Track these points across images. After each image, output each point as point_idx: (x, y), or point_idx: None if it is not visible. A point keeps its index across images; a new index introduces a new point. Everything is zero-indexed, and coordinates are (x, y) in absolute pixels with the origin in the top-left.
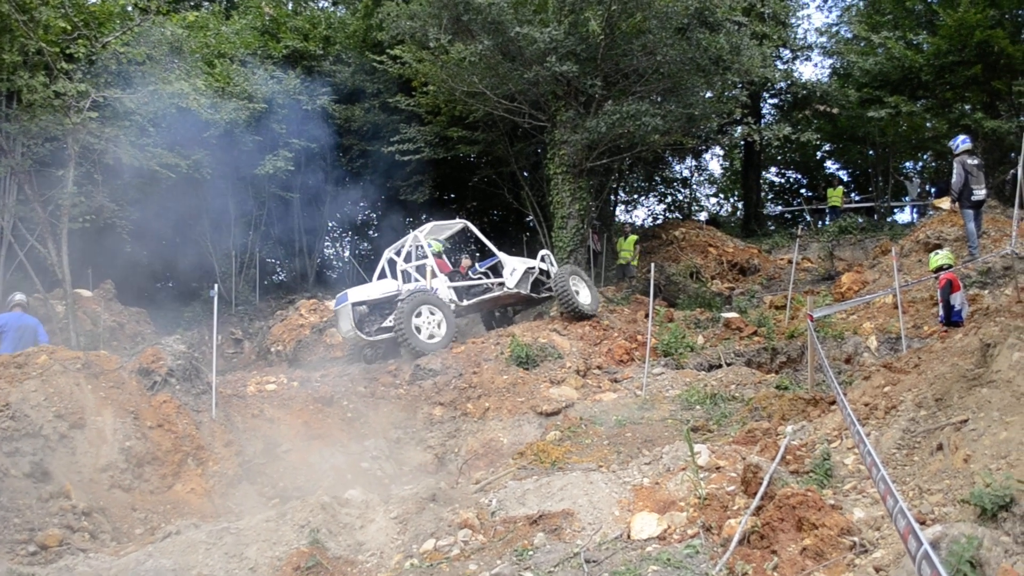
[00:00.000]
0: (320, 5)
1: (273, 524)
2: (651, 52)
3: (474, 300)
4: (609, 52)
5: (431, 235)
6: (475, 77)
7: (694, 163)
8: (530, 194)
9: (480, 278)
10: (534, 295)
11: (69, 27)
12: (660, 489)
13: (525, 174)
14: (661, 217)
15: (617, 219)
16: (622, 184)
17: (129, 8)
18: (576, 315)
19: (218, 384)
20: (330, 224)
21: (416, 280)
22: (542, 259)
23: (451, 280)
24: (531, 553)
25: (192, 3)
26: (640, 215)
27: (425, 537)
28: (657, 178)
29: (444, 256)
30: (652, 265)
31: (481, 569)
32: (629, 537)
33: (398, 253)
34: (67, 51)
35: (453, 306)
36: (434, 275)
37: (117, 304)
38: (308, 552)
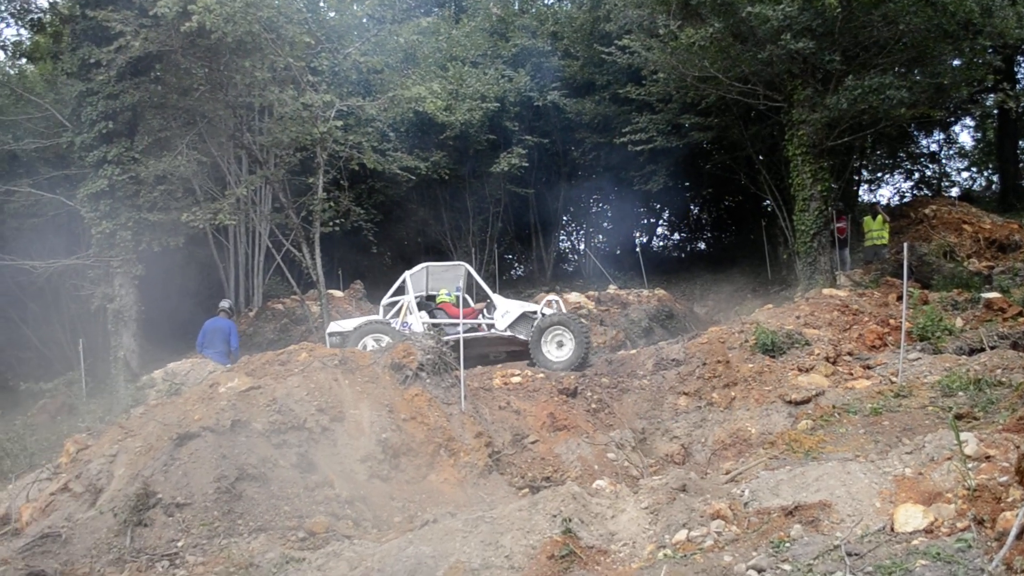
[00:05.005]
0: (546, 2)
1: (526, 513)
2: (892, 21)
3: (454, 335)
4: (847, 25)
5: (434, 281)
6: (706, 61)
7: (942, 136)
8: (768, 178)
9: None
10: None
11: (312, 42)
12: (924, 480)
13: (761, 158)
14: (909, 195)
15: (861, 199)
16: (865, 163)
17: (365, 20)
18: (541, 366)
19: (465, 377)
20: (564, 218)
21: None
22: (548, 304)
23: (432, 316)
24: (788, 545)
25: (423, 10)
26: (886, 194)
27: (677, 527)
28: (902, 154)
29: (459, 301)
30: (904, 245)
31: (737, 560)
32: (892, 530)
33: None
34: (312, 64)
35: None
36: (409, 312)
37: (367, 303)
38: (561, 541)
